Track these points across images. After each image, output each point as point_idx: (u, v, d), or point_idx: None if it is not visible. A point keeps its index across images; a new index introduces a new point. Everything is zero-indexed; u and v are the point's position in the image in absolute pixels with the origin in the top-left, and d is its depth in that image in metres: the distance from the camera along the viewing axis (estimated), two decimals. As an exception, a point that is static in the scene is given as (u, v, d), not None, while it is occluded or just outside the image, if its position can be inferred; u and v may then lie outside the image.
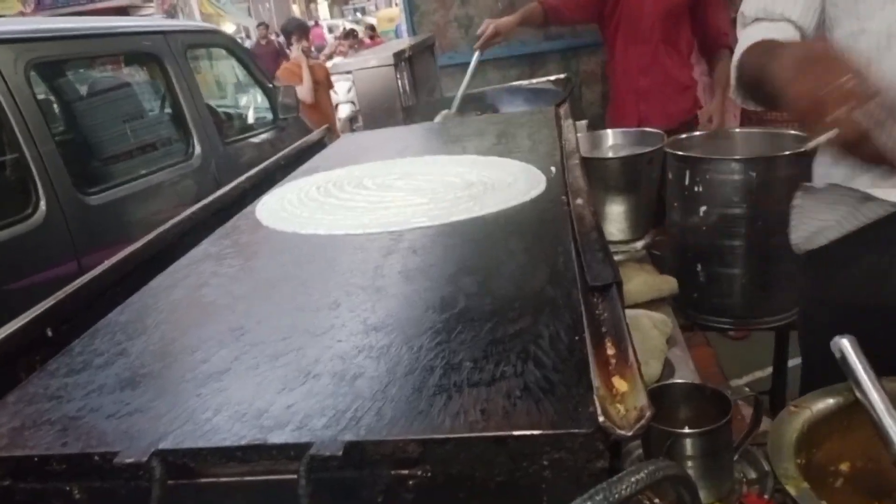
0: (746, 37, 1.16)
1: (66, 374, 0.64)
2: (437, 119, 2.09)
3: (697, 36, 2.71)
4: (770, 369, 1.98)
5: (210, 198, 1.17)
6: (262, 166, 1.37)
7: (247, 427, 0.51)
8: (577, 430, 0.46)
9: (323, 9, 36.46)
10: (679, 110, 2.70)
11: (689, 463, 0.81)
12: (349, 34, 13.77)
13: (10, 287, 2.10)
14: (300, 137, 1.70)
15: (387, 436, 0.48)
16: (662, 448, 0.80)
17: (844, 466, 0.74)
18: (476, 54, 2.39)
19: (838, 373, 0.72)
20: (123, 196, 2.68)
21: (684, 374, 1.20)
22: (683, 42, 2.68)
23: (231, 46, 4.08)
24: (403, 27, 4.73)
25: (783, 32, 1.11)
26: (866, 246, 1.10)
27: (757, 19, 1.17)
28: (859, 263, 1.13)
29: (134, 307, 0.78)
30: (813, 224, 1.17)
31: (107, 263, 0.88)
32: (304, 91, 4.74)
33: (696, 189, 1.63)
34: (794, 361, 1.85)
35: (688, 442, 0.80)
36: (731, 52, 2.92)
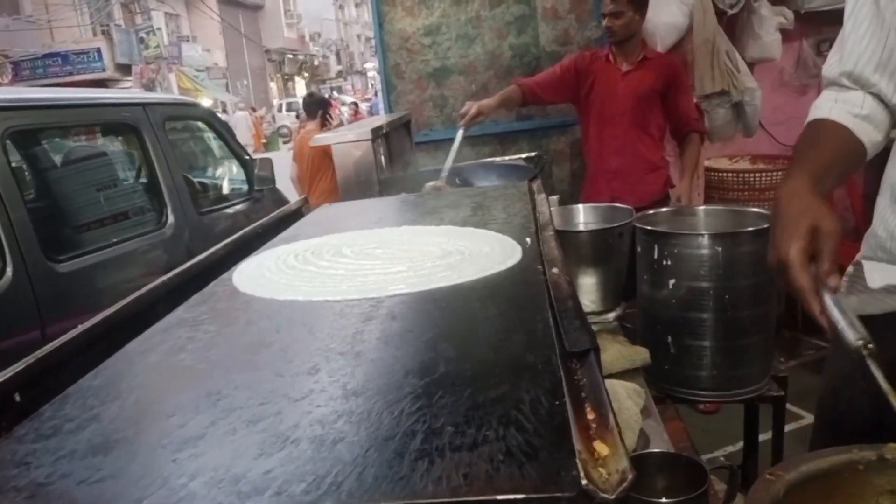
0: (815, 106, 1.14)
1: (34, 439, 0.62)
2: (427, 188, 2.19)
3: (669, 120, 2.85)
4: (741, 443, 1.98)
5: (186, 264, 1.17)
6: (239, 234, 1.38)
7: (223, 493, 0.50)
8: (560, 494, 0.46)
9: (301, 87, 37.42)
10: (650, 190, 2.81)
11: None
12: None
13: (-32, 354, 2.03)
14: (276, 209, 1.72)
15: (368, 501, 0.47)
16: None
17: (821, 537, 0.74)
18: (460, 131, 2.58)
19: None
20: (93, 264, 2.65)
21: (659, 445, 1.20)
22: (654, 125, 2.83)
23: (208, 119, 4.15)
24: (380, 104, 4.85)
25: (851, 107, 1.09)
26: None
27: (832, 84, 1.13)
28: None
29: (107, 372, 0.77)
30: None
31: (80, 328, 0.86)
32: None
33: (664, 263, 1.67)
34: (764, 435, 1.86)
35: None
36: (699, 134, 3.07)
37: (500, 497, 0.46)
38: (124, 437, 0.60)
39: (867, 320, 0.80)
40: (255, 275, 1.09)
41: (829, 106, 1.11)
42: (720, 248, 1.57)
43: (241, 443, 0.57)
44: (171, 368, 0.76)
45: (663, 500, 0.82)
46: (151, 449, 0.58)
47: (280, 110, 27.77)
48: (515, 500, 0.46)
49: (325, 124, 4.77)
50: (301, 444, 0.56)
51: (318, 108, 4.87)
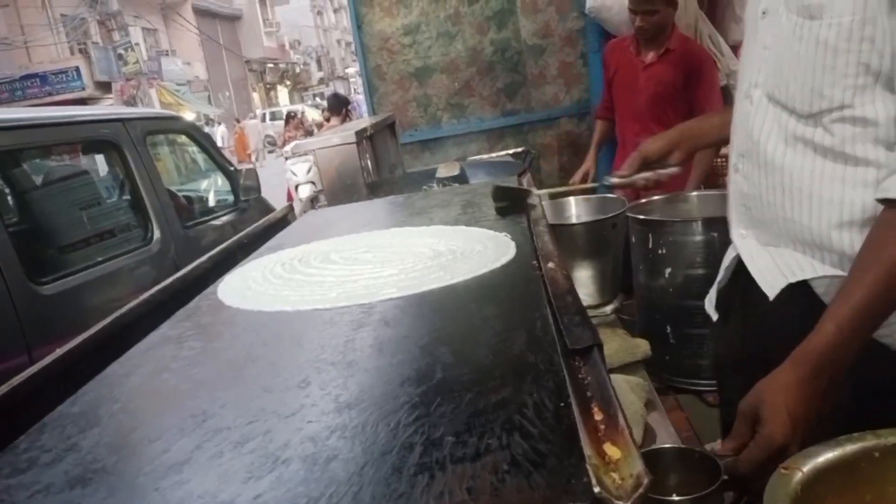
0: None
1: (8, 474, 0.58)
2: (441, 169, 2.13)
3: (686, 116, 2.74)
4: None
5: (169, 279, 1.13)
6: (223, 246, 1.34)
7: (211, 523, 0.46)
8: (572, 504, 0.42)
9: (283, 96, 37.29)
10: (673, 186, 2.74)
11: None
12: (288, 118, 14.12)
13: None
14: (262, 218, 1.68)
15: (366, 523, 0.44)
16: None
17: (841, 527, 0.71)
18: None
19: None
20: (79, 284, 2.59)
21: (664, 439, 1.17)
22: (677, 121, 2.73)
23: (191, 132, 4.09)
24: (364, 109, 4.90)
25: None
26: None
27: None
28: None
29: (87, 397, 0.73)
30: None
31: (58, 352, 0.82)
32: None
33: (659, 252, 1.65)
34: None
35: None
36: None
37: (507, 511, 0.43)
38: (104, 466, 0.57)
39: None
40: (240, 287, 1.05)
41: None
42: (715, 234, 1.54)
43: (228, 466, 0.53)
44: (154, 390, 0.73)
45: (675, 497, 0.79)
46: (133, 478, 0.55)
47: (263, 120, 27.64)
48: (524, 513, 0.43)
49: (346, 120, 5.16)
50: (292, 464, 0.52)
51: (341, 106, 5.38)
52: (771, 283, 1.02)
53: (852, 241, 0.91)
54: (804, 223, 0.96)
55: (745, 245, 1.08)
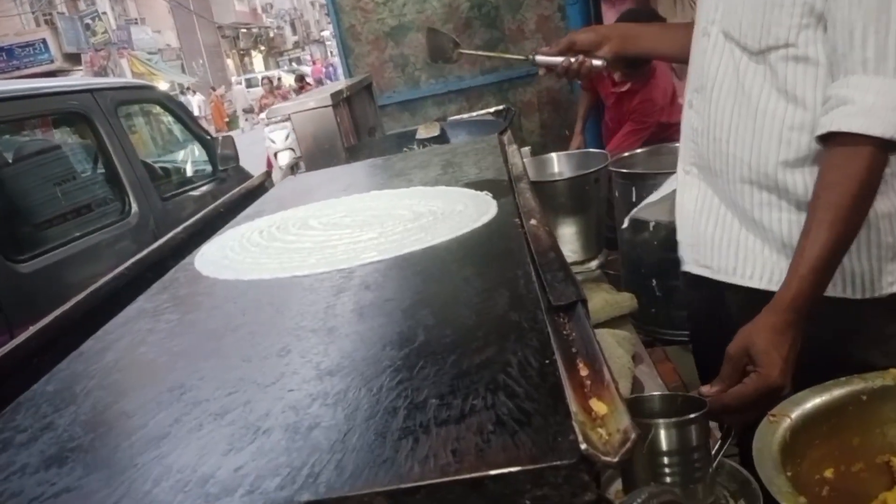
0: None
1: (-19, 457, 0.56)
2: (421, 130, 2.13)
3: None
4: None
5: (144, 251, 1.11)
6: (199, 215, 1.31)
7: (191, 497, 0.45)
8: (559, 462, 0.41)
9: (258, 62, 36.53)
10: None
11: (667, 460, 0.76)
12: (266, 83, 13.87)
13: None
14: (241, 186, 1.64)
15: (349, 491, 0.43)
16: (641, 463, 0.76)
17: (829, 473, 0.72)
18: None
19: None
20: (57, 261, 2.55)
21: (652, 390, 1.18)
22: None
23: (164, 101, 4.00)
24: (340, 71, 4.77)
25: None
26: None
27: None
28: None
29: (62, 375, 0.71)
30: None
31: (30, 330, 0.80)
32: None
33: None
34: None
35: (667, 434, 0.76)
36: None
37: (493, 472, 0.42)
38: (80, 444, 0.55)
39: None
40: (217, 256, 1.03)
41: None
42: (699, 185, 1.53)
43: (208, 439, 0.52)
44: (131, 364, 0.71)
45: (661, 420, 0.78)
46: (111, 455, 0.53)
47: (241, 85, 27.11)
48: (510, 473, 0.42)
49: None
50: (273, 434, 0.51)
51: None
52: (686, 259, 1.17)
53: (786, 180, 0.96)
54: (744, 159, 0.99)
55: (687, 181, 1.11)
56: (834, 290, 0.93)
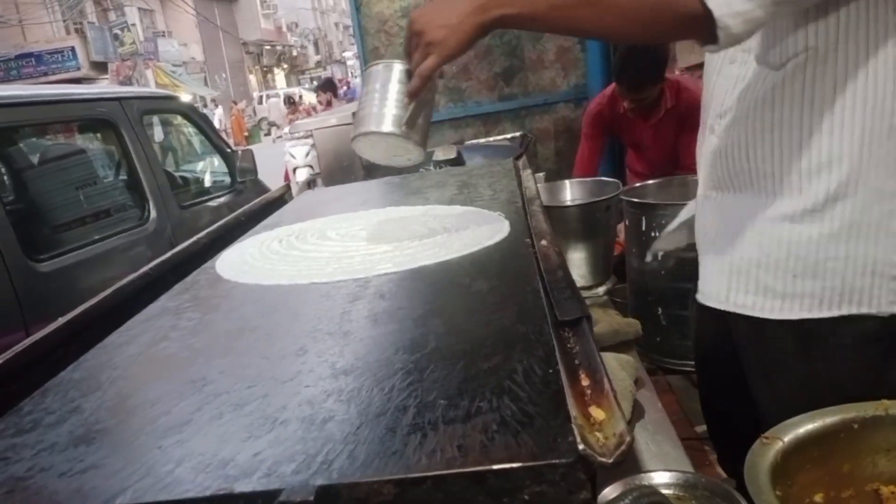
0: None
1: (13, 434, 0.60)
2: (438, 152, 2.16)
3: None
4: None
5: (167, 254, 1.15)
6: (221, 222, 1.35)
7: (211, 477, 0.48)
8: (557, 461, 0.44)
9: (280, 79, 37.06)
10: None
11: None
12: (287, 100, 14.16)
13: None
14: (259, 199, 1.69)
15: (360, 478, 0.46)
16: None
17: (819, 498, 0.74)
18: None
19: None
20: (75, 262, 2.60)
21: (653, 415, 1.20)
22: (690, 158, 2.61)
23: (187, 112, 4.08)
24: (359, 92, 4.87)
25: None
26: None
27: None
28: None
29: (87, 364, 0.75)
30: None
31: (59, 321, 0.84)
32: None
33: (652, 234, 1.67)
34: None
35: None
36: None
37: (495, 467, 0.45)
38: (106, 427, 0.59)
39: None
40: (238, 261, 1.07)
41: None
42: (708, 217, 1.55)
43: (228, 427, 0.55)
44: (154, 357, 0.74)
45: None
46: (135, 437, 0.56)
47: (261, 102, 27.51)
48: (511, 468, 0.45)
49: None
50: (290, 424, 0.54)
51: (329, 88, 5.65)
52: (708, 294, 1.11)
53: (812, 187, 0.95)
54: (768, 171, 0.99)
55: (707, 205, 1.11)
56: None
